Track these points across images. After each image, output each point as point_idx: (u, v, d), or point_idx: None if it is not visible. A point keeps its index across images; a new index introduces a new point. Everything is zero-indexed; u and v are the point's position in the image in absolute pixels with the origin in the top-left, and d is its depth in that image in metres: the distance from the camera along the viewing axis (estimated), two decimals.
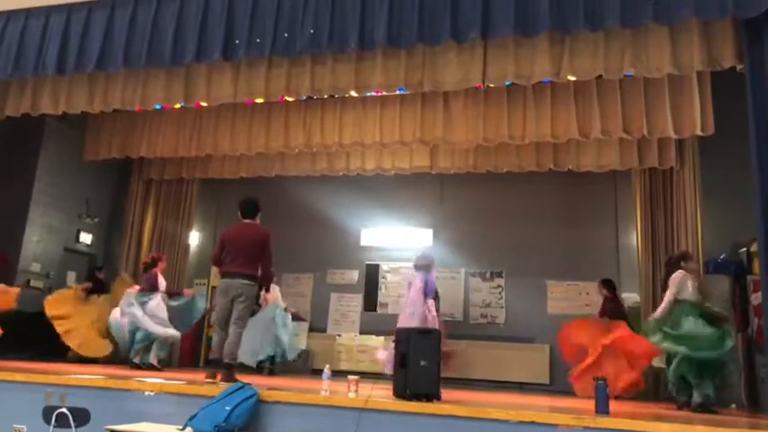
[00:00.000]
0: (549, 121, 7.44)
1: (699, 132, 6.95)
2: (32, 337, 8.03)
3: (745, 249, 7.37)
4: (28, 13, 6.80)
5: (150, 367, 7.50)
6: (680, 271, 5.97)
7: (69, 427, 4.64)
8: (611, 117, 7.24)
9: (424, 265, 7.59)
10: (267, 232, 5.85)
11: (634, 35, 5.76)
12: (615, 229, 9.53)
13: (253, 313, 8.07)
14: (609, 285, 8.22)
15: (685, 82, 6.91)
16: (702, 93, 6.91)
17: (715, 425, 3.88)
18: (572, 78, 6.35)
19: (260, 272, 5.87)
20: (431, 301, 7.34)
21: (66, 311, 8.50)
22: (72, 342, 8.40)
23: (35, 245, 9.27)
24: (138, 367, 7.45)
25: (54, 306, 8.42)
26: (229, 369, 5.48)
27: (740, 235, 7.42)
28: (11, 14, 6.85)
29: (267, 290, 6.31)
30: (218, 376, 5.51)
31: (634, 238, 8.71)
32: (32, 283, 9.08)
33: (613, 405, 4.52)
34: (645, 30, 5.66)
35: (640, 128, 7.13)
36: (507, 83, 6.80)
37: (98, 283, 9.24)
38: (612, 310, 7.96)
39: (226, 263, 5.75)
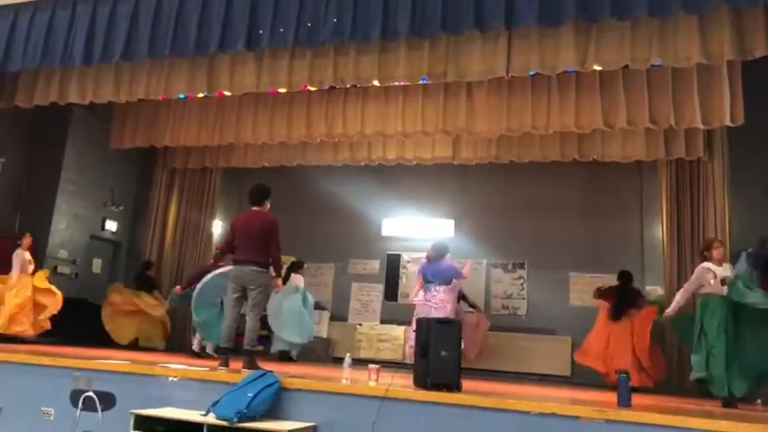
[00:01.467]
0: (573, 111, 7.34)
1: (728, 123, 6.80)
2: (59, 323, 8.18)
3: None
4: (55, 3, 6.89)
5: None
6: (703, 263, 5.84)
7: (95, 410, 4.73)
8: (637, 107, 7.12)
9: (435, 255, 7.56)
10: (275, 220, 5.80)
11: (662, 24, 5.66)
12: (640, 221, 9.40)
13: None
14: (621, 276, 8.06)
15: (715, 71, 6.74)
16: (732, 83, 6.74)
17: (739, 419, 3.83)
18: (597, 68, 6.25)
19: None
20: (441, 287, 7.26)
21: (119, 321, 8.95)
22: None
23: (62, 232, 9.46)
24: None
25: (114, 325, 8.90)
26: (250, 356, 5.53)
27: None
28: (38, 5, 6.95)
29: (278, 275, 6.31)
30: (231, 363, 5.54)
31: (659, 230, 8.60)
32: (59, 269, 9.29)
33: (636, 398, 4.48)
34: (673, 19, 5.55)
35: (667, 118, 7.00)
36: (531, 73, 6.72)
37: (147, 280, 9.42)
38: (627, 299, 7.81)
39: (237, 250, 5.76)
